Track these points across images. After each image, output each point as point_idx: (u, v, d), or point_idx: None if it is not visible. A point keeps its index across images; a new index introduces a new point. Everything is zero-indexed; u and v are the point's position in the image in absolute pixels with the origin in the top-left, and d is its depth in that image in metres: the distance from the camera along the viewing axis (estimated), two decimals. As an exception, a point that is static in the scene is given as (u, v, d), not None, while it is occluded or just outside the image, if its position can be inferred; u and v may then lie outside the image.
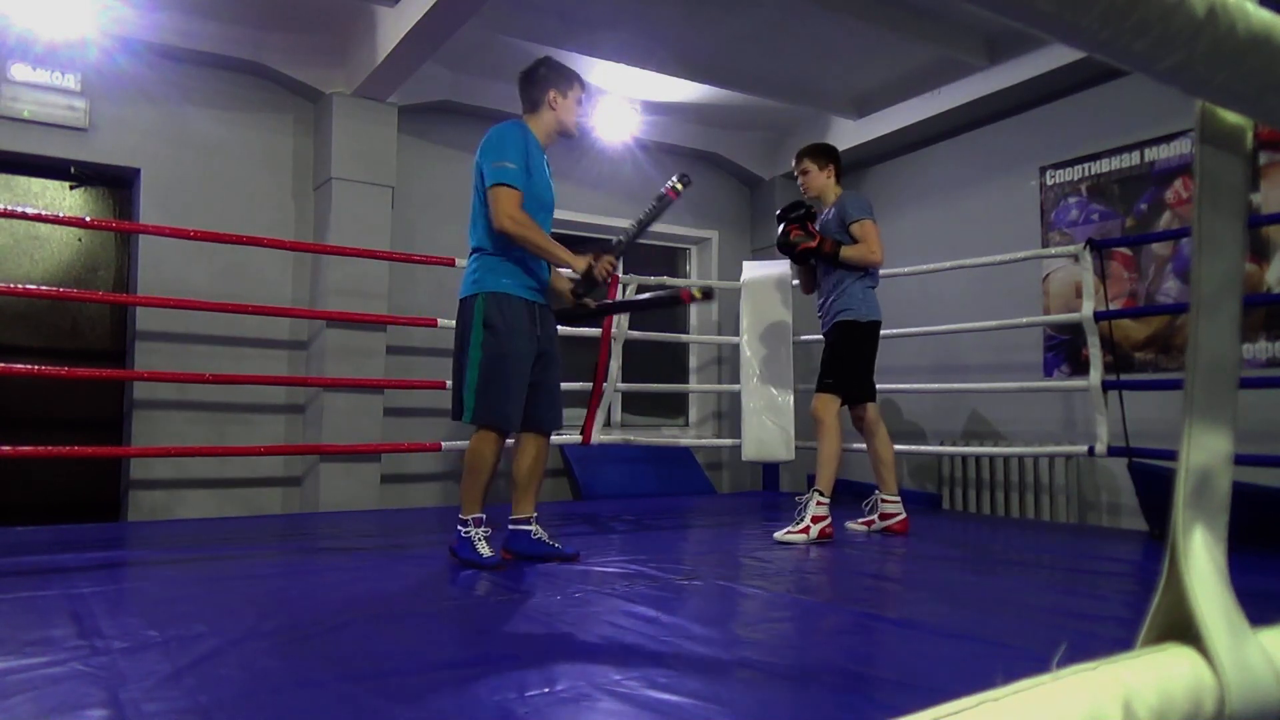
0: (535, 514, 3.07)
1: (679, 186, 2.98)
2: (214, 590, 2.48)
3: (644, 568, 2.89)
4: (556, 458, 5.56)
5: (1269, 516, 3.23)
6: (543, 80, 3.04)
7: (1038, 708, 0.53)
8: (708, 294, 3.08)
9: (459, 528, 2.93)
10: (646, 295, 3.15)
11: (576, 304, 3.07)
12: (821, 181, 3.87)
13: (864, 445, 5.60)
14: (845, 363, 3.80)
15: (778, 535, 3.54)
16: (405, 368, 4.97)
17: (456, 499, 5.19)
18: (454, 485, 5.24)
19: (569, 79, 3.07)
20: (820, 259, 3.79)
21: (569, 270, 3.00)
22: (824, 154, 3.91)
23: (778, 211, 3.89)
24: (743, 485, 6.23)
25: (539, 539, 3.05)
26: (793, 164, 3.97)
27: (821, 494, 3.58)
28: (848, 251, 3.73)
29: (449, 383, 4.61)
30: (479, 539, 2.88)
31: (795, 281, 4.51)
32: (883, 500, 3.90)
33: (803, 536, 3.49)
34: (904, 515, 3.87)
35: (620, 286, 5.03)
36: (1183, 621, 0.66)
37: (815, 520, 3.53)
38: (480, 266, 2.93)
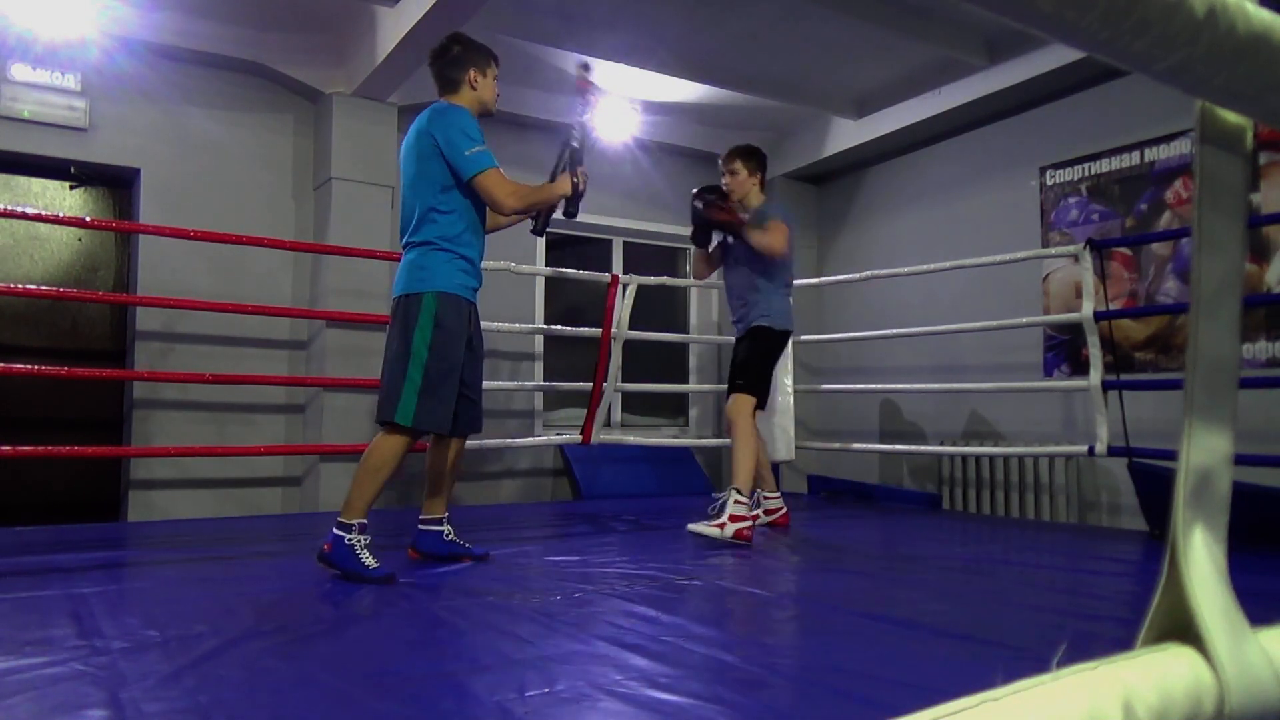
0: (447, 514, 3.06)
1: (585, 74, 3.04)
2: (214, 590, 2.48)
3: (644, 568, 2.89)
4: (557, 458, 5.57)
5: (1269, 516, 3.23)
6: (460, 59, 2.91)
7: (1038, 708, 0.53)
8: (585, 66, 3.16)
9: (338, 532, 2.64)
10: (578, 135, 3.06)
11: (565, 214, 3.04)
12: (748, 186, 3.88)
13: (864, 445, 5.60)
14: (758, 365, 3.78)
15: (692, 526, 3.53)
16: (405, 368, 4.97)
17: (456, 499, 5.20)
18: (455, 486, 5.23)
19: (486, 56, 2.97)
20: (726, 229, 3.77)
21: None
22: (754, 158, 3.93)
23: (696, 190, 3.87)
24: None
25: (451, 539, 3.02)
26: (721, 161, 3.95)
27: (739, 493, 3.52)
28: (754, 233, 3.69)
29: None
30: (362, 548, 2.63)
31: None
32: (765, 497, 4.05)
33: (717, 531, 3.44)
34: (785, 509, 4.09)
35: (620, 288, 5.02)
36: (1183, 621, 0.66)
37: (733, 519, 3.46)
38: (430, 263, 2.78)
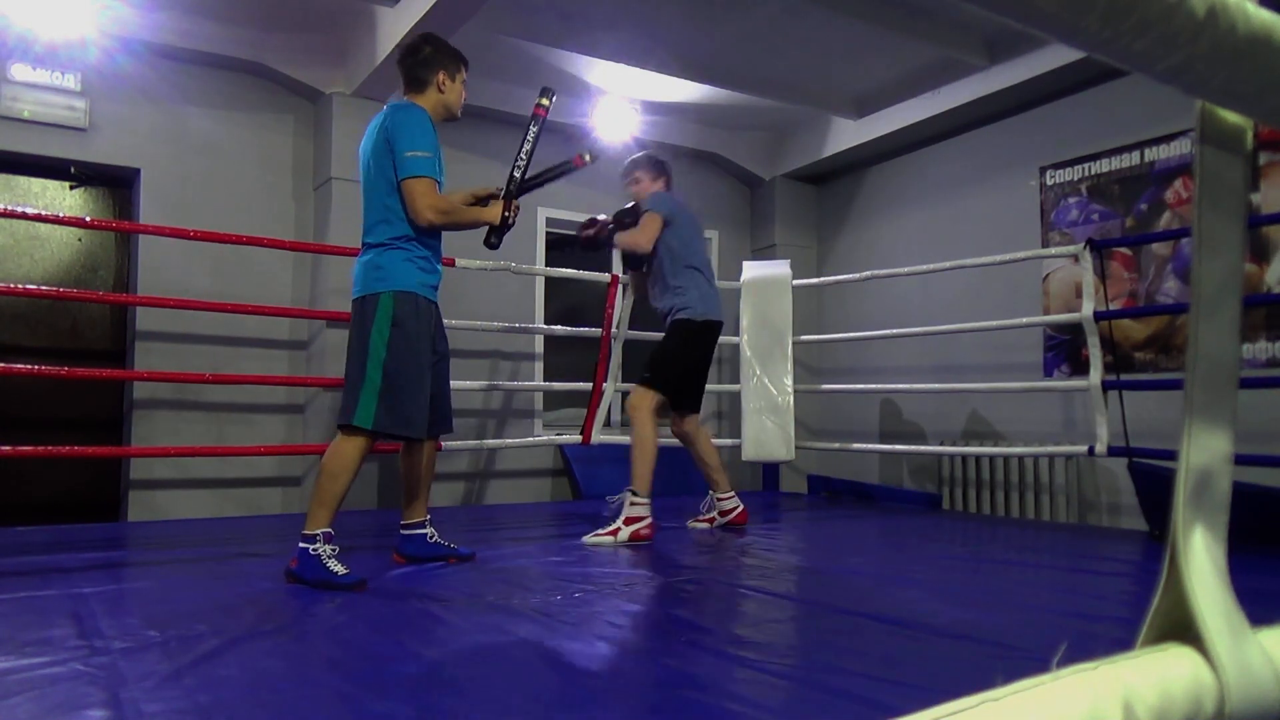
0: (429, 516, 3.03)
1: (544, 101, 2.97)
2: (214, 590, 2.47)
3: (644, 568, 2.89)
4: (557, 458, 5.57)
5: (1269, 516, 3.23)
6: (430, 60, 2.87)
7: (1038, 708, 0.53)
8: (595, 156, 3.13)
9: (303, 545, 2.57)
10: (542, 171, 3.03)
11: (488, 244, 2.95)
12: (650, 191, 3.87)
13: (864, 445, 5.60)
14: (671, 360, 3.67)
15: (586, 538, 3.41)
16: (405, 368, 4.97)
17: (456, 499, 5.21)
18: (454, 485, 5.24)
19: (456, 60, 2.93)
20: (593, 244, 3.76)
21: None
22: (656, 167, 3.94)
23: (580, 225, 3.87)
24: (743, 485, 6.22)
25: (435, 541, 3.00)
26: (622, 174, 3.98)
27: (636, 494, 3.47)
28: (620, 236, 3.69)
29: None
30: (329, 556, 2.56)
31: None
32: (718, 500, 4.00)
33: (610, 539, 3.38)
34: (742, 507, 4.02)
35: (620, 288, 5.02)
36: (1183, 621, 0.66)
37: (629, 521, 3.42)
38: (386, 262, 2.72)
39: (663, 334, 3.79)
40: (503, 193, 2.95)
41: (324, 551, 2.57)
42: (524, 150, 2.95)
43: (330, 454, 2.66)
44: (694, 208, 6.20)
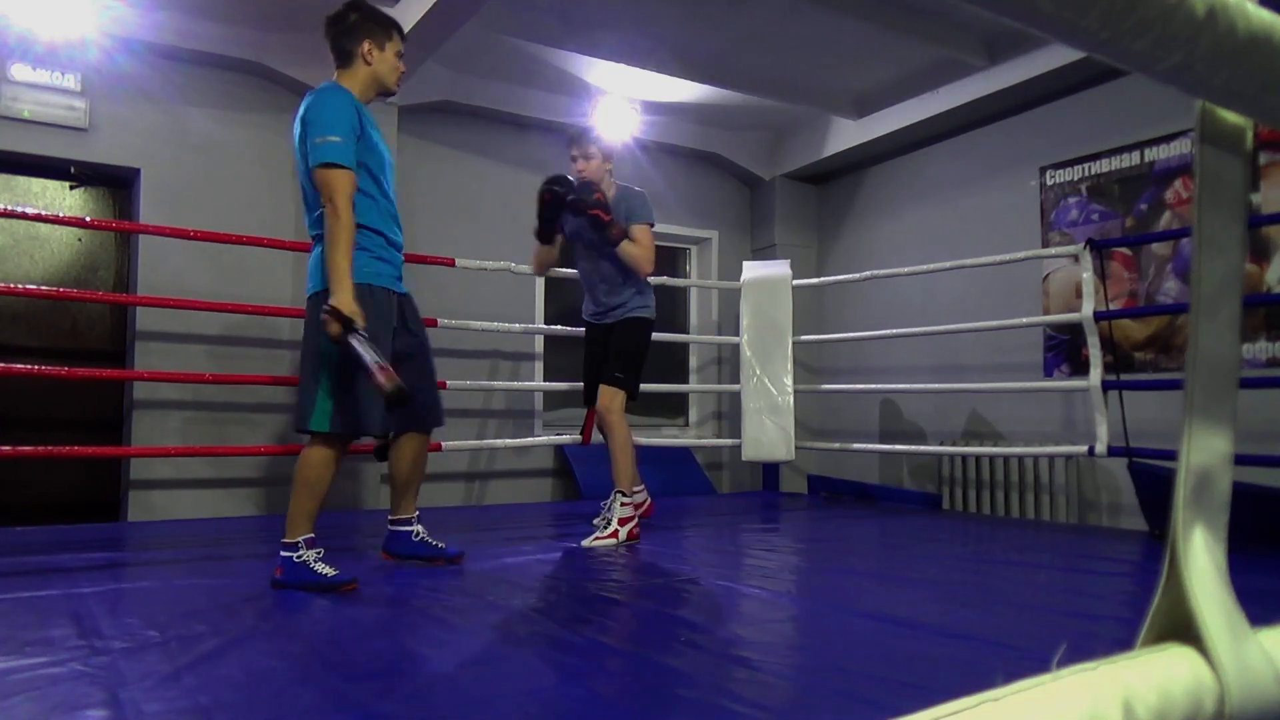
0: (416, 514, 2.96)
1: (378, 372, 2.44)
2: (214, 590, 2.47)
3: (644, 567, 2.89)
4: (557, 458, 5.56)
5: (1269, 516, 3.23)
6: (354, 29, 2.63)
7: (1038, 708, 0.53)
8: (396, 396, 2.41)
9: (284, 554, 2.51)
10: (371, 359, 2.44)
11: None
12: (601, 172, 3.65)
13: (864, 445, 5.60)
14: (641, 359, 3.66)
15: (585, 542, 3.36)
16: (405, 368, 4.97)
17: (456, 499, 5.21)
18: (453, 485, 5.24)
19: (386, 27, 2.69)
20: (603, 235, 3.49)
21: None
22: (608, 148, 3.75)
23: (549, 179, 3.53)
24: (743, 485, 6.23)
25: (421, 540, 2.93)
26: (572, 144, 3.65)
27: (624, 494, 3.48)
28: (628, 247, 3.51)
29: (448, 383, 4.66)
30: (314, 560, 2.51)
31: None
32: (635, 491, 3.87)
33: (612, 541, 3.37)
34: (650, 500, 4.07)
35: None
36: (1183, 621, 0.66)
37: (622, 522, 3.43)
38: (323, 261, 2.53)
39: (619, 330, 3.67)
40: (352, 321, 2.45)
41: (310, 557, 2.51)
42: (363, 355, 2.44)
43: (300, 463, 2.57)
44: (694, 208, 6.25)
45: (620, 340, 3.65)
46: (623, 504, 3.47)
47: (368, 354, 2.40)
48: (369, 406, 2.52)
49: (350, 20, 2.64)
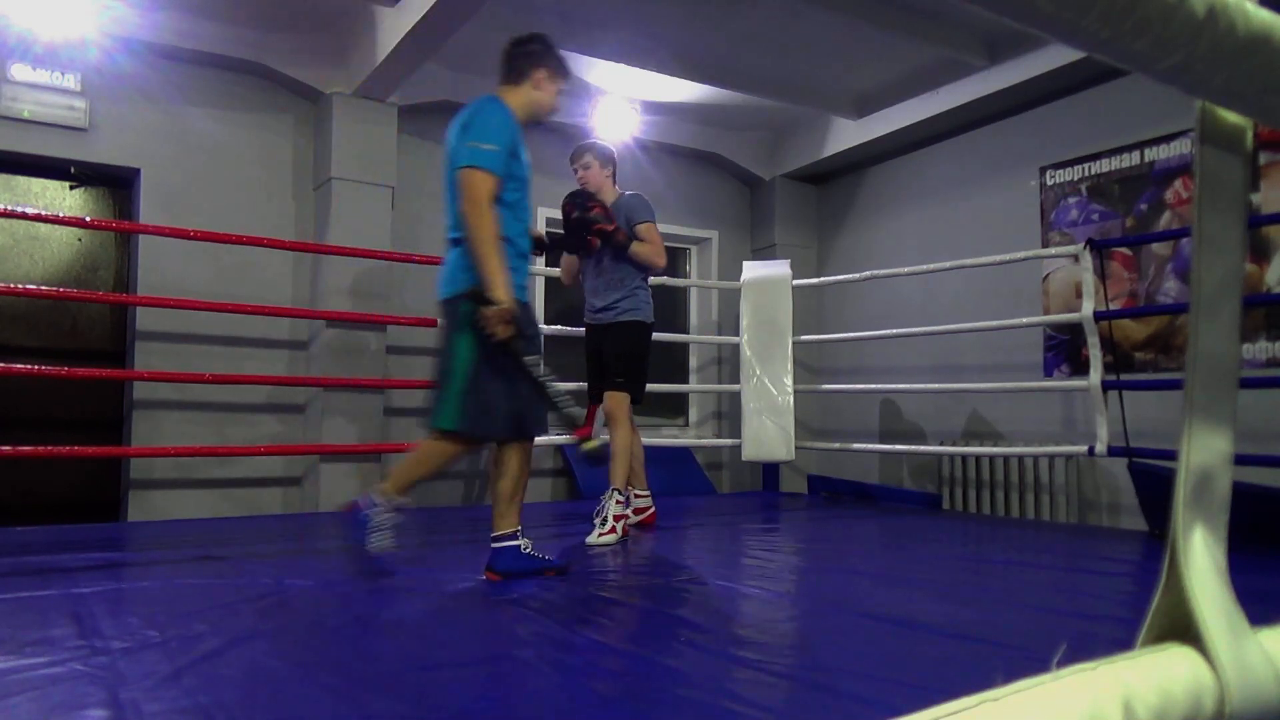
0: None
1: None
2: (214, 590, 2.47)
3: (644, 567, 2.89)
4: (557, 458, 5.56)
5: (1269, 516, 3.23)
6: (535, 55, 2.80)
7: (1038, 708, 0.53)
8: (592, 456, 2.74)
9: (505, 545, 2.64)
10: (547, 389, 2.60)
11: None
12: (600, 179, 3.81)
13: (864, 445, 5.59)
14: (640, 362, 3.76)
15: (590, 539, 3.39)
16: (405, 368, 4.97)
17: (456, 499, 5.21)
18: (453, 485, 5.24)
19: (562, 65, 2.86)
20: (611, 245, 3.67)
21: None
22: (610, 157, 3.89)
23: (569, 196, 3.71)
24: (743, 485, 6.23)
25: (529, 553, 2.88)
26: (571, 159, 3.87)
27: (620, 492, 3.54)
28: (638, 248, 3.67)
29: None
30: (529, 548, 2.67)
31: (560, 270, 4.14)
32: (636, 495, 3.95)
33: (613, 537, 3.41)
34: (653, 509, 4.02)
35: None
36: (1183, 621, 0.66)
37: (616, 519, 3.47)
38: (464, 263, 2.58)
39: (617, 332, 3.74)
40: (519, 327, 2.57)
41: (525, 545, 2.66)
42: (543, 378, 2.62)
43: (513, 465, 2.65)
44: (694, 208, 6.24)
45: (615, 345, 3.74)
46: (617, 501, 3.53)
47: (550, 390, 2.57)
48: (538, 412, 2.62)
49: (533, 46, 2.83)
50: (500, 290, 2.47)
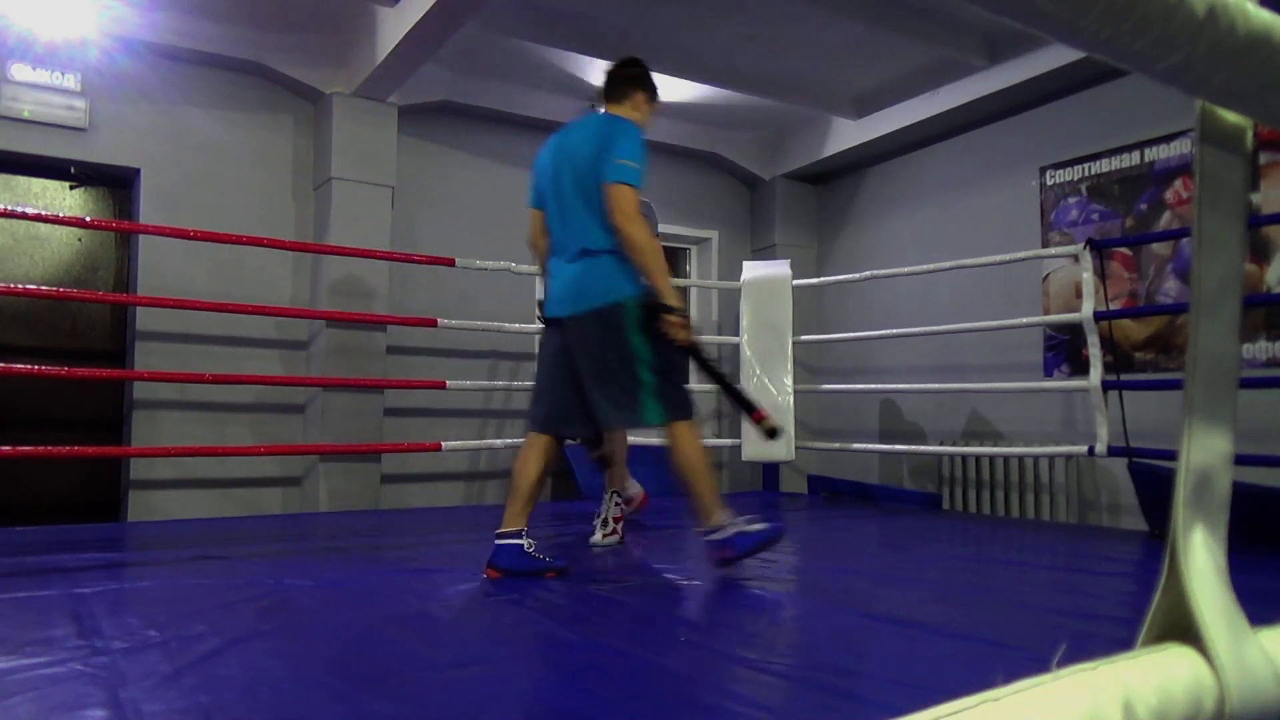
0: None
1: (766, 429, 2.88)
2: (214, 590, 2.47)
3: (644, 567, 2.89)
4: (557, 458, 5.56)
5: (1269, 516, 3.23)
6: (637, 79, 2.95)
7: (1038, 708, 0.53)
8: (773, 432, 2.88)
9: (721, 536, 2.65)
10: (728, 382, 2.99)
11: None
12: None
13: (864, 445, 5.60)
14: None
15: (592, 540, 3.41)
16: (405, 368, 4.97)
17: (456, 499, 5.21)
18: (453, 485, 5.24)
19: (656, 91, 3.02)
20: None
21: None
22: None
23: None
24: (743, 485, 6.23)
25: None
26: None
27: (619, 494, 3.60)
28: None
29: (448, 383, 4.67)
30: (745, 524, 2.68)
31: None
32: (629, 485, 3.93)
33: (615, 539, 3.45)
34: (643, 491, 4.03)
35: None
36: (1183, 621, 0.66)
37: (616, 520, 3.52)
38: (619, 271, 2.68)
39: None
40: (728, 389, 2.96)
41: (739, 524, 2.66)
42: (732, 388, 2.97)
43: (689, 450, 2.66)
44: (694, 208, 6.24)
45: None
46: (616, 504, 3.56)
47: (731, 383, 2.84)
48: (687, 395, 2.74)
49: (635, 70, 2.97)
50: (673, 297, 2.66)
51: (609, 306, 2.67)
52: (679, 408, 2.67)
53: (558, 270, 2.81)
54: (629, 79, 2.94)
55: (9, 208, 3.69)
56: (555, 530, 4.02)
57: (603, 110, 2.93)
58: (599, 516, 3.57)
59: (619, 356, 2.66)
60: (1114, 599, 2.55)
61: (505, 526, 2.70)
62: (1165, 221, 4.41)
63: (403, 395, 4.93)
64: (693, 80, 5.12)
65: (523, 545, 2.69)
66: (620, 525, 3.54)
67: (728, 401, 2.85)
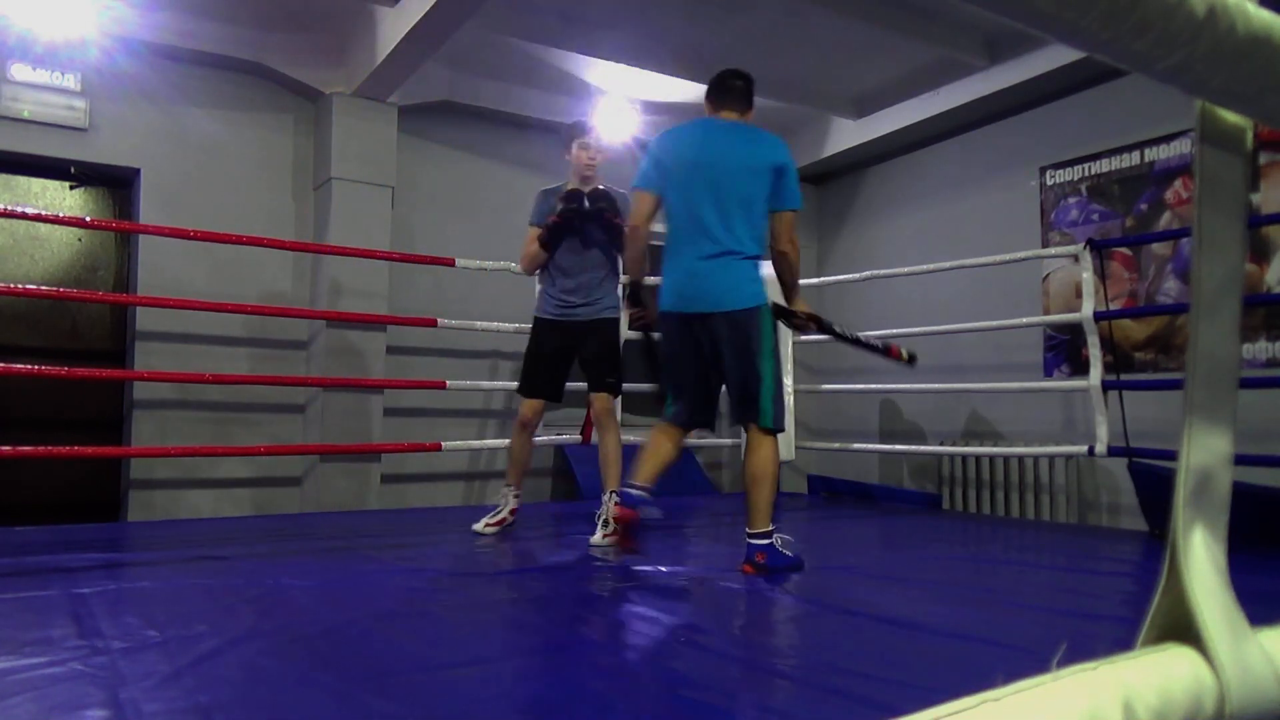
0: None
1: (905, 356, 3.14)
2: (214, 590, 2.47)
3: (644, 568, 2.89)
4: (557, 458, 5.56)
5: (1269, 516, 3.23)
6: (752, 92, 3.21)
7: (1038, 708, 0.53)
8: (913, 358, 3.12)
9: (761, 543, 2.76)
10: (856, 337, 3.20)
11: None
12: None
13: (864, 445, 5.59)
14: (620, 362, 3.72)
15: (594, 540, 3.37)
16: (405, 368, 4.97)
17: (456, 499, 5.21)
18: (453, 485, 5.24)
19: None
20: (616, 240, 3.61)
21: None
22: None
23: (574, 193, 3.58)
24: (742, 485, 6.23)
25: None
26: (588, 139, 3.69)
27: (616, 495, 3.48)
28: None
29: (448, 383, 4.67)
30: (783, 545, 2.82)
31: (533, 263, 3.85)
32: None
33: (606, 540, 3.36)
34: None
35: (620, 288, 5.03)
36: (1183, 621, 0.66)
37: (616, 520, 3.52)
38: (758, 276, 2.91)
39: (601, 331, 3.67)
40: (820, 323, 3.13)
41: (778, 541, 2.79)
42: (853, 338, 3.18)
43: (767, 461, 2.80)
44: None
45: (603, 343, 3.67)
46: (615, 505, 3.52)
47: (857, 336, 3.19)
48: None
49: (751, 83, 3.21)
50: (804, 305, 3.07)
51: (757, 309, 2.83)
52: (780, 419, 2.82)
53: (688, 265, 2.86)
54: (751, 91, 3.17)
55: (9, 208, 3.70)
56: (555, 530, 4.02)
57: (734, 119, 3.09)
58: (599, 516, 3.56)
59: (757, 357, 2.80)
60: (1114, 599, 2.55)
61: (757, 526, 2.79)
62: (1165, 221, 4.41)
63: (402, 395, 4.93)
64: (693, 80, 5.11)
65: (775, 542, 2.81)
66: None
67: (864, 350, 3.22)
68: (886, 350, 3.14)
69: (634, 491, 2.78)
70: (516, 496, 3.79)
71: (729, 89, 3.12)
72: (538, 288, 3.82)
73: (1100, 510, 4.56)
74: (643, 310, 3.03)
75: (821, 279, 5.81)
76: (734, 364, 2.80)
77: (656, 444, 2.91)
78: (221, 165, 4.70)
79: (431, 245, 5.04)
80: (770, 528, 2.78)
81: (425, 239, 5.11)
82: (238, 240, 4.23)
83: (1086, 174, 4.77)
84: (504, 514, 3.71)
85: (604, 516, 3.48)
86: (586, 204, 3.53)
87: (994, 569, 3.10)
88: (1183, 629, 0.66)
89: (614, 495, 3.51)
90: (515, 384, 5.26)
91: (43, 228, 4.43)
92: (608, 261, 3.68)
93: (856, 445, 5.46)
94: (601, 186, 3.64)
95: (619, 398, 3.77)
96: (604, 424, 3.63)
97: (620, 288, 3.07)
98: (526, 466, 3.81)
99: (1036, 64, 4.62)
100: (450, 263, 4.71)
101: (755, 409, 2.78)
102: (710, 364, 2.85)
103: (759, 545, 2.75)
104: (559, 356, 3.72)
